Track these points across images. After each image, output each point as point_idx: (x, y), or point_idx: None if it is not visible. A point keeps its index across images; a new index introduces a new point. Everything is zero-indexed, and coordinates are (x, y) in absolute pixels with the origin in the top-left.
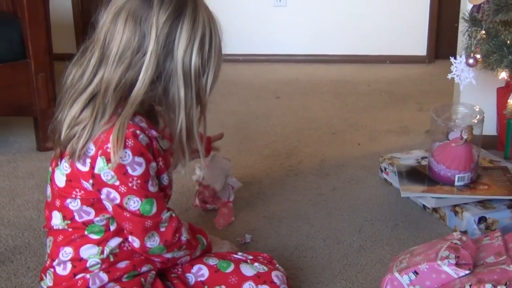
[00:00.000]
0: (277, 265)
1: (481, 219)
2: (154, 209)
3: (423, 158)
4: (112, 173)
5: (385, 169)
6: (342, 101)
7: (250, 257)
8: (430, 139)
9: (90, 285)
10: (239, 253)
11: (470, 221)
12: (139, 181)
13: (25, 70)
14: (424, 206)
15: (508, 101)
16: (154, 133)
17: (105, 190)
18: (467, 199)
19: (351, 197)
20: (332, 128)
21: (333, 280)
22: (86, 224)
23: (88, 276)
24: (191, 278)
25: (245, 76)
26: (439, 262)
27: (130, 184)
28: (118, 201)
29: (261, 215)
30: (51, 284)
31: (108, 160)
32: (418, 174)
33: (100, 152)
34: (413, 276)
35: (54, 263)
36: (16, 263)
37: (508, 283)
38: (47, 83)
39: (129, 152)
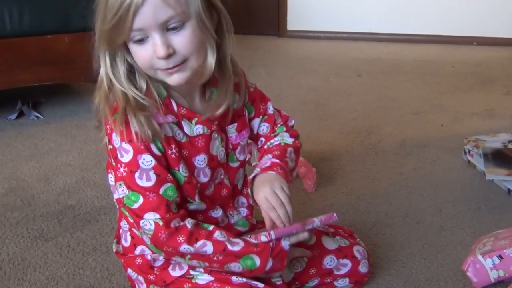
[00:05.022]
0: (358, 240)
1: None
2: (137, 205)
3: (510, 141)
4: (111, 154)
5: (469, 151)
6: (425, 82)
7: (332, 229)
8: None
9: (153, 263)
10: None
11: None
12: (126, 168)
13: None
14: (509, 190)
15: None
16: (169, 118)
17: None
18: None
19: (433, 177)
20: (414, 108)
21: (411, 259)
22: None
23: (148, 257)
24: None
25: (326, 53)
26: None
27: (120, 170)
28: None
29: (340, 191)
30: (121, 252)
31: (109, 141)
32: (504, 157)
33: (105, 131)
34: (497, 260)
35: (120, 231)
36: (101, 222)
37: None
38: None
39: (118, 136)
